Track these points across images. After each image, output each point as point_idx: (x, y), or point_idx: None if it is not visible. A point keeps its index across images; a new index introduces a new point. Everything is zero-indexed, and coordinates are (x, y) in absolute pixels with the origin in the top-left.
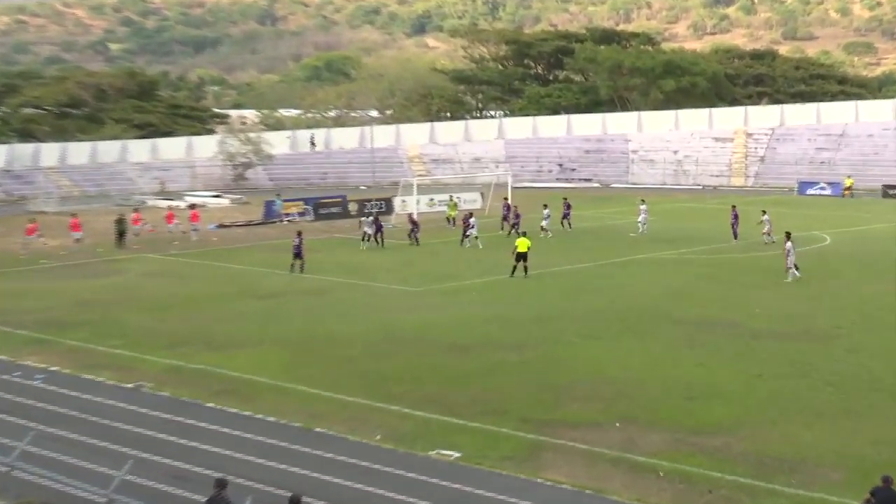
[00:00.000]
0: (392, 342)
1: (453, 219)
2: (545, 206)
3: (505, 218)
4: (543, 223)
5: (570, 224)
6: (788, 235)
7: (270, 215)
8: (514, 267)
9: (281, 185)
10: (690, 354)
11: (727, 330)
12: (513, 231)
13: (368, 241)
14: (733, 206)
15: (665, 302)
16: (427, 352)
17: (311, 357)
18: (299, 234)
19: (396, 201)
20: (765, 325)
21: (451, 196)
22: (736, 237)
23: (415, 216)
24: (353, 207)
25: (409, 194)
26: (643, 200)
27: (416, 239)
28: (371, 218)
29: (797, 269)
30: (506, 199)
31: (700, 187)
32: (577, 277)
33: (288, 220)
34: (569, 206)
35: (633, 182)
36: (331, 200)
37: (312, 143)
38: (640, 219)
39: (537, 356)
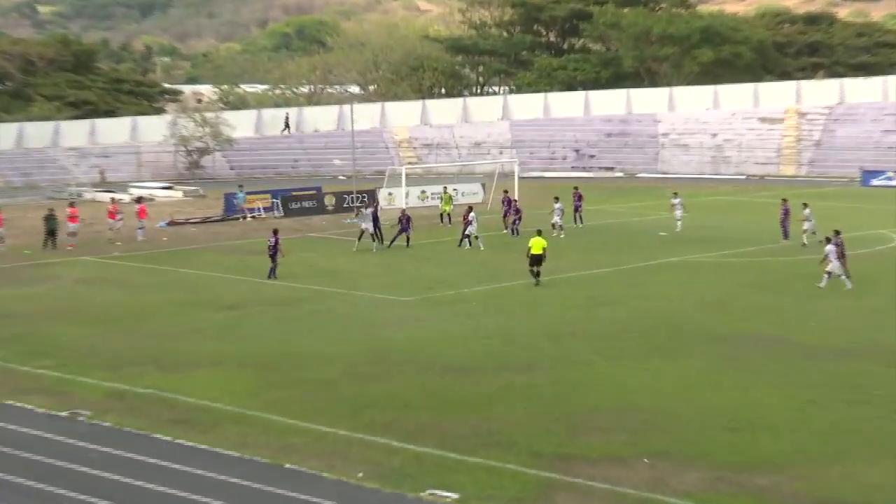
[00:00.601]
0: (377, 362)
1: (449, 215)
2: (556, 200)
3: (506, 214)
4: (556, 219)
5: (581, 218)
6: (833, 236)
7: (231, 210)
8: (534, 272)
9: (244, 175)
10: (732, 377)
11: (776, 347)
12: (512, 230)
13: (372, 240)
14: (784, 200)
15: (701, 315)
16: (418, 373)
17: (280, 379)
18: (275, 232)
19: (381, 194)
20: (820, 341)
21: (445, 188)
22: (786, 236)
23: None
24: (329, 201)
25: (396, 186)
26: (676, 193)
27: (408, 239)
28: (370, 210)
29: (848, 276)
30: (506, 191)
31: (743, 177)
32: (595, 285)
33: (252, 217)
34: (580, 198)
35: (662, 171)
36: (303, 193)
37: (286, 126)
38: (676, 214)
39: (549, 379)
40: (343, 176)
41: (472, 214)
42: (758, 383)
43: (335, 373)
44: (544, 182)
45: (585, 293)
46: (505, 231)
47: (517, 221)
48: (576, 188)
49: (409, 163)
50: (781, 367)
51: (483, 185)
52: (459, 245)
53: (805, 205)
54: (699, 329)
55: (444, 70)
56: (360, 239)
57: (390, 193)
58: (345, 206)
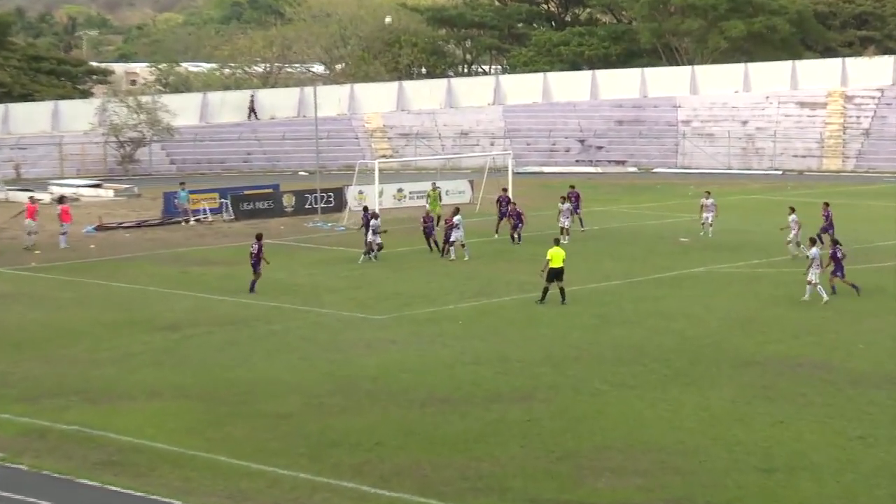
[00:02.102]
0: (344, 392)
1: (438, 217)
2: (563, 200)
3: (502, 217)
4: (563, 222)
5: (581, 221)
6: (814, 242)
7: (171, 213)
8: (546, 289)
9: (186, 171)
10: (765, 409)
11: (817, 374)
12: (512, 236)
13: (372, 253)
14: (825, 205)
15: (729, 335)
16: (394, 406)
17: (229, 413)
18: (258, 238)
19: (350, 193)
20: (870, 366)
21: (433, 184)
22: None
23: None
24: (288, 202)
25: (368, 183)
26: (708, 193)
27: (377, 245)
28: (374, 218)
29: (857, 288)
30: (504, 190)
31: (779, 173)
32: (603, 300)
33: (196, 220)
34: (577, 197)
35: (683, 166)
36: (257, 192)
37: (252, 111)
38: (706, 217)
39: (549, 412)
40: (304, 172)
41: (457, 218)
42: (796, 417)
43: (294, 405)
44: (543, 179)
45: (592, 310)
46: (496, 236)
47: (519, 226)
48: (572, 187)
49: (383, 156)
50: (823, 398)
51: (471, 183)
52: (442, 254)
53: (792, 209)
54: (726, 352)
55: (425, 46)
56: (368, 253)
57: (361, 192)
58: (307, 207)
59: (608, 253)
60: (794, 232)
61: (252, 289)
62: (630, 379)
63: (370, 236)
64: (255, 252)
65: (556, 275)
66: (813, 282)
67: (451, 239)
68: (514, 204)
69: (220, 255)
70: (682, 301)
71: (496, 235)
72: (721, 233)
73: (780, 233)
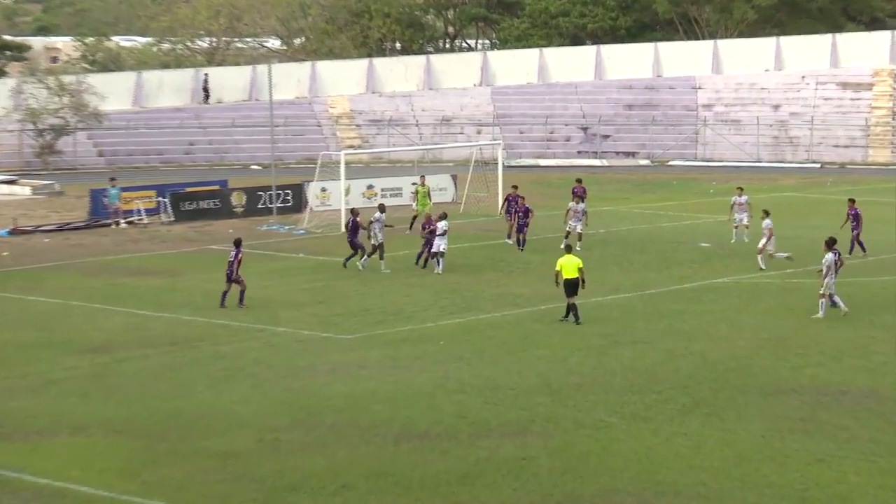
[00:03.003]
0: (305, 426)
1: (429, 217)
2: (577, 198)
3: (516, 215)
4: (574, 225)
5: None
6: (830, 245)
7: (100, 214)
8: (570, 307)
9: (118, 165)
10: (801, 444)
11: (861, 404)
12: (518, 240)
13: (361, 255)
14: (851, 201)
15: (759, 357)
16: (363, 442)
17: (169, 451)
18: (237, 244)
19: (311, 190)
20: None
21: (422, 178)
22: (863, 248)
23: (359, 217)
24: (238, 200)
25: (332, 178)
26: (741, 189)
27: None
28: (379, 214)
29: (833, 300)
30: (514, 188)
31: (817, 166)
32: (611, 317)
33: (128, 222)
34: (583, 195)
35: (704, 158)
36: (201, 190)
37: (206, 93)
38: (738, 219)
39: (547, 448)
40: (257, 165)
41: (443, 224)
42: (838, 454)
43: (247, 441)
44: (539, 173)
45: (597, 329)
46: (507, 241)
47: (523, 228)
48: (578, 181)
49: (351, 147)
50: (870, 432)
51: (454, 178)
52: (417, 262)
53: (766, 213)
54: (756, 378)
55: (400, 17)
56: (379, 258)
57: (324, 190)
58: (260, 206)
59: (616, 261)
60: (765, 239)
61: (241, 301)
62: (642, 410)
63: (378, 235)
64: (232, 260)
65: (573, 287)
66: (826, 293)
67: (435, 249)
68: (523, 197)
69: (157, 263)
70: (703, 318)
71: (509, 241)
72: (748, 236)
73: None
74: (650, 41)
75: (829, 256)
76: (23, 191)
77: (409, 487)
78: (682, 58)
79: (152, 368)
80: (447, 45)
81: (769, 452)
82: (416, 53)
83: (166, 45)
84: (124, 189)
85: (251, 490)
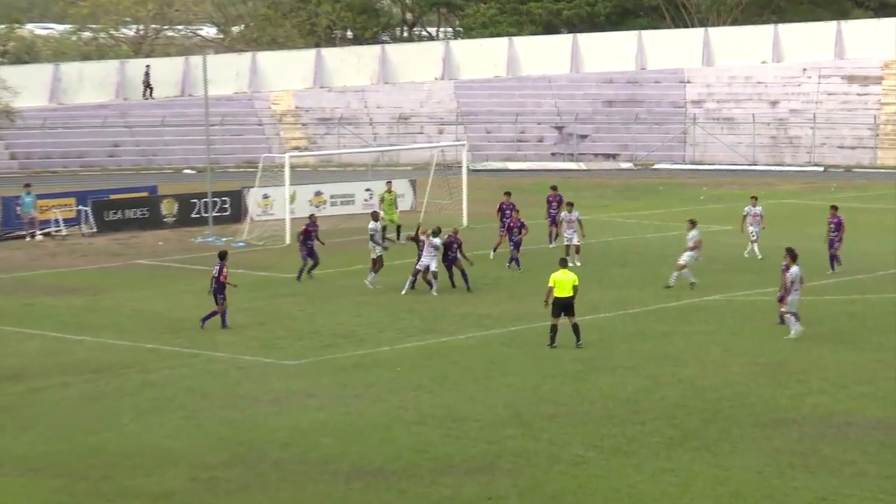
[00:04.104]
0: (245, 463)
1: (399, 227)
2: (570, 206)
3: (508, 230)
4: (573, 238)
5: (553, 235)
6: (794, 257)
7: (12, 224)
8: (554, 328)
9: (33, 168)
10: (804, 482)
11: (871, 436)
12: (517, 260)
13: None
14: (833, 208)
15: (756, 384)
16: (311, 481)
17: (90, 492)
18: (222, 256)
19: (251, 197)
20: None
21: (388, 183)
22: (836, 261)
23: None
24: (168, 209)
25: (275, 183)
26: (755, 199)
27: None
28: (374, 224)
29: (796, 317)
30: (507, 195)
31: (820, 169)
32: (589, 339)
33: (45, 234)
34: (559, 203)
35: (694, 160)
36: (127, 197)
37: (147, 86)
38: (752, 233)
39: (517, 487)
40: (190, 170)
41: (437, 241)
42: (843, 492)
43: (178, 480)
44: (508, 178)
45: (573, 353)
46: (492, 256)
47: (518, 241)
48: (554, 189)
49: (296, 148)
50: (879, 468)
51: (412, 183)
52: (413, 287)
53: (692, 223)
54: (751, 408)
55: (352, 1)
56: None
57: (266, 197)
58: (193, 216)
59: (595, 276)
60: (689, 252)
61: (224, 323)
62: (624, 443)
63: (377, 249)
64: (217, 276)
65: (563, 307)
66: (786, 311)
67: (421, 266)
68: (517, 210)
69: (77, 280)
70: (692, 340)
71: (492, 255)
72: (741, 247)
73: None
74: (633, 29)
75: (795, 270)
76: None
77: None
78: (668, 48)
79: (72, 398)
80: (405, 34)
81: (767, 490)
82: (369, 43)
83: (87, 34)
84: (40, 196)
85: None
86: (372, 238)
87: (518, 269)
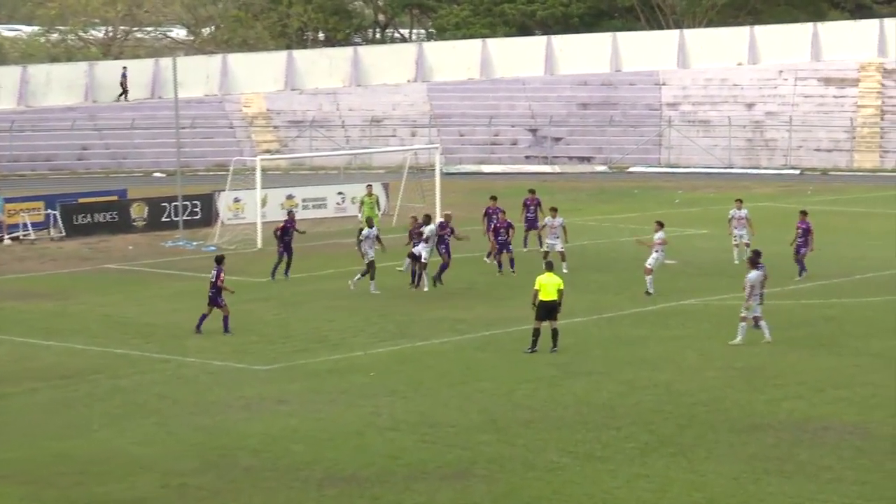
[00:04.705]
0: (216, 470)
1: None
2: (554, 211)
3: (495, 231)
4: (555, 244)
5: (540, 238)
6: (754, 261)
7: None
8: (536, 332)
9: (1, 172)
10: (780, 488)
11: (848, 441)
12: (498, 261)
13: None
14: (802, 213)
15: (732, 389)
16: (283, 488)
17: (59, 499)
18: (219, 261)
19: (222, 201)
20: None
21: (368, 187)
22: (802, 267)
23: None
24: (139, 212)
25: (246, 187)
26: (740, 202)
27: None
28: (367, 231)
29: (758, 324)
30: (493, 199)
31: (796, 172)
32: (564, 344)
33: (13, 238)
34: (537, 205)
35: (669, 163)
36: (96, 201)
37: (123, 87)
38: (737, 235)
39: (492, 493)
40: (161, 173)
41: (430, 228)
42: (818, 497)
43: (149, 487)
44: (482, 180)
45: (548, 358)
46: (488, 261)
47: (507, 246)
48: (531, 192)
49: (267, 151)
50: (857, 473)
51: (385, 187)
52: (416, 285)
53: (659, 224)
54: (727, 413)
55: (323, 3)
56: (370, 277)
57: (237, 200)
58: (164, 219)
59: (569, 281)
60: (655, 254)
61: (225, 328)
62: (599, 449)
63: (369, 252)
64: (214, 280)
65: (547, 311)
66: (748, 316)
67: (417, 252)
68: (503, 211)
69: (45, 284)
70: (668, 344)
71: (487, 260)
72: (715, 251)
73: (639, 246)
74: (607, 31)
75: (754, 274)
76: None
77: None
78: (643, 50)
79: (41, 404)
80: (377, 36)
81: (742, 496)
82: (341, 45)
83: (55, 36)
84: (8, 200)
85: None
86: (359, 244)
87: (512, 271)
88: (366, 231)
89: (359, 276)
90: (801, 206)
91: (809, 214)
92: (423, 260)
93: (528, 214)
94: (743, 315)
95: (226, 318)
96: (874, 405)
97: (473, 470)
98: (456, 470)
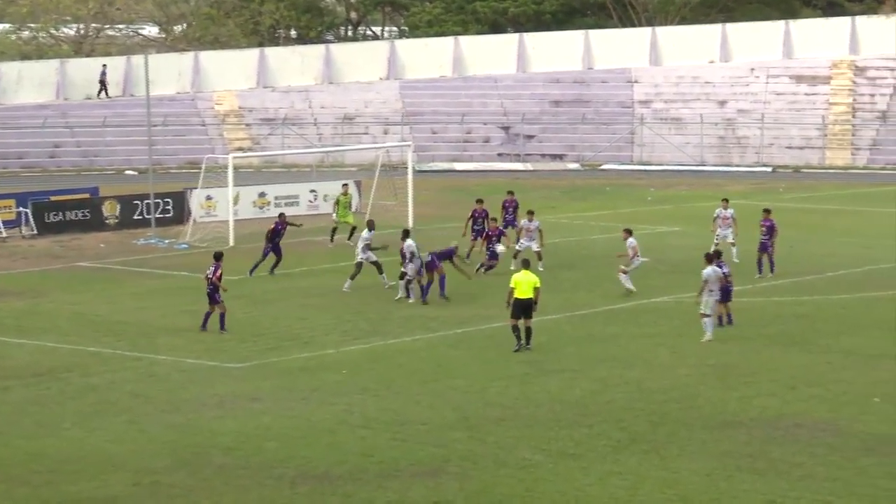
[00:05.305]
0: (189, 468)
1: (354, 228)
2: (531, 214)
3: (477, 237)
4: (533, 246)
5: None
6: (710, 259)
7: None
8: (516, 329)
9: None
10: (752, 485)
11: (820, 438)
12: (483, 265)
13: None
14: (766, 212)
15: (704, 387)
16: (256, 485)
17: (31, 497)
18: (217, 258)
19: (195, 198)
20: (889, 427)
21: (345, 185)
22: (769, 266)
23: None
24: (110, 210)
25: (218, 185)
26: (726, 201)
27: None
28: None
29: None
30: (479, 201)
31: (768, 170)
32: (536, 341)
33: None
34: (515, 207)
35: (641, 161)
36: (68, 199)
37: (103, 85)
38: (720, 236)
39: (464, 491)
40: (132, 171)
41: (409, 243)
42: (791, 495)
43: (122, 485)
44: (454, 179)
45: (520, 356)
46: (467, 261)
47: (495, 256)
48: (510, 193)
49: (240, 149)
50: (828, 470)
51: (358, 184)
52: (407, 296)
53: (628, 232)
54: (700, 410)
55: (295, 1)
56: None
57: (209, 198)
58: (136, 217)
59: (542, 278)
60: (631, 256)
61: (221, 326)
62: (571, 446)
63: (362, 254)
64: (212, 276)
65: (523, 308)
66: (706, 313)
67: (408, 275)
68: (494, 219)
69: (17, 283)
70: (640, 342)
71: (467, 260)
72: (688, 249)
73: (618, 259)
74: (580, 28)
75: (707, 271)
76: None
77: None
78: (615, 47)
79: (13, 403)
80: (349, 33)
81: (715, 493)
82: (313, 42)
83: (27, 33)
84: None
85: None
86: (367, 247)
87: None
88: (366, 234)
89: (382, 276)
90: (773, 203)
91: (773, 212)
92: (410, 276)
93: (507, 216)
94: (701, 311)
95: (222, 316)
96: (846, 402)
97: (446, 467)
98: (428, 467)
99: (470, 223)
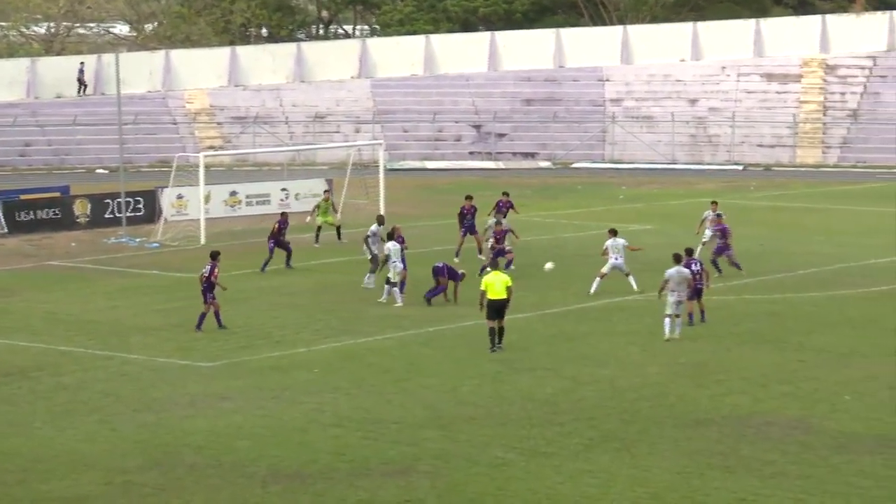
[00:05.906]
0: (160, 467)
1: (339, 229)
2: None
3: (466, 233)
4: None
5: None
6: (678, 259)
7: None
8: (492, 331)
9: None
10: (723, 483)
11: (791, 436)
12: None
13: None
14: (713, 203)
15: (675, 385)
16: (227, 484)
17: (1, 497)
18: (214, 256)
19: (166, 197)
20: (860, 425)
21: (326, 193)
22: (719, 268)
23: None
24: (81, 209)
25: (189, 183)
26: (715, 203)
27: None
28: (375, 227)
29: (666, 320)
30: (469, 198)
31: (739, 168)
32: (508, 340)
33: None
34: (508, 207)
35: (613, 159)
36: (38, 197)
37: (81, 83)
38: (708, 237)
39: (436, 489)
40: (103, 169)
41: (391, 245)
42: (762, 492)
43: (93, 485)
44: (426, 176)
45: (493, 354)
46: (457, 260)
47: (500, 253)
48: (505, 194)
49: (211, 147)
50: (800, 468)
51: (329, 183)
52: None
53: (612, 232)
54: (671, 408)
55: (266, 0)
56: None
57: (180, 197)
58: (107, 216)
59: (512, 277)
60: (612, 258)
61: (199, 326)
62: (543, 445)
63: (373, 248)
64: (207, 275)
65: (497, 309)
66: (670, 314)
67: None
68: (500, 223)
69: None
70: (612, 340)
71: (456, 259)
72: (661, 248)
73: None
74: (551, 27)
75: (671, 271)
76: None
77: None
78: (587, 46)
79: None
80: (321, 32)
81: (686, 491)
82: (285, 41)
83: None
84: None
85: None
86: (366, 240)
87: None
88: (373, 228)
89: (370, 276)
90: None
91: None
92: (395, 279)
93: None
94: (668, 312)
95: (216, 313)
96: (817, 400)
97: (417, 466)
98: (400, 466)
99: (460, 220)
